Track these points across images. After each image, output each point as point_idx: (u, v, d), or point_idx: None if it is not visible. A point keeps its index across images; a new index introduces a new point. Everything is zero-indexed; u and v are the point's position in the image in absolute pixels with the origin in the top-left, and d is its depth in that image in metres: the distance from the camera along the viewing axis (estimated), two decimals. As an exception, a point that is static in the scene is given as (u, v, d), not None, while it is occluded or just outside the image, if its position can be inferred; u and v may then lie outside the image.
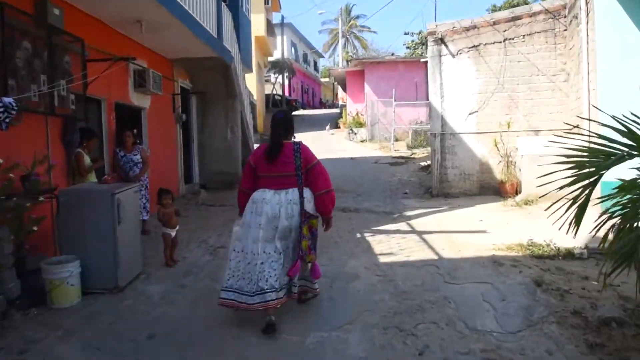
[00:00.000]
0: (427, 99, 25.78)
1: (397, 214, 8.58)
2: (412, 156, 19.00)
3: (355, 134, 25.41)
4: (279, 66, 36.55)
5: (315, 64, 60.43)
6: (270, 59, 36.72)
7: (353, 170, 14.99)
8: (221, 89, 12.02)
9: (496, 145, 9.60)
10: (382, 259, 5.95)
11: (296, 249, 4.09)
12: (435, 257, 5.96)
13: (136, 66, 8.62)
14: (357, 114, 26.62)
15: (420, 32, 41.34)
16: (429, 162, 15.85)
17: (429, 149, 20.52)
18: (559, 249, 5.96)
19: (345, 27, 49.81)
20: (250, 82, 27.43)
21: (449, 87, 9.85)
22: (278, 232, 4.03)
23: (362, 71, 26.34)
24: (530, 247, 6.07)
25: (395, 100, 20.81)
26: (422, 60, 24.50)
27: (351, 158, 18.62)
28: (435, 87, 9.93)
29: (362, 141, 24.65)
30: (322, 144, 22.97)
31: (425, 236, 6.92)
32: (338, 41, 49.35)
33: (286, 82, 40.02)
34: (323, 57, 60.20)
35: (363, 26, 53.81)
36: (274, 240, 4.02)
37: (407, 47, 40.61)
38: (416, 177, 13.10)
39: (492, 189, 9.71)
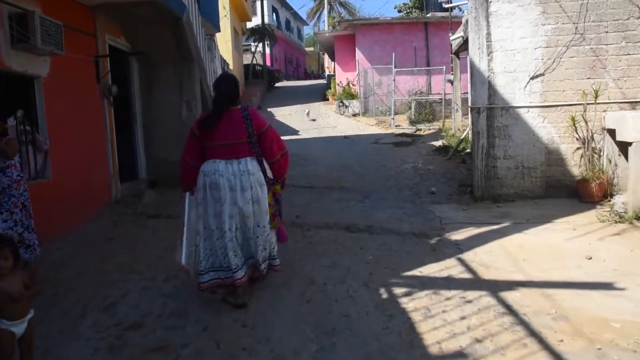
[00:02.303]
0: (428, 66, 22.69)
1: (436, 237, 5.45)
2: (418, 133, 15.88)
3: (346, 107, 22.15)
4: (259, 33, 32.74)
5: (299, 32, 56.44)
6: (249, 25, 33.01)
7: (350, 154, 11.84)
8: (171, 50, 8.72)
9: (574, 124, 6.46)
10: (451, 377, 2.85)
11: (259, 223, 3.88)
12: (561, 370, 2.88)
13: (11, 8, 5.34)
14: (347, 84, 23.31)
15: (414, -7, 37.98)
16: (444, 142, 12.75)
17: (435, 124, 17.32)
18: None
19: (330, -8, 45.88)
20: (226, 49, 23.96)
21: (500, 38, 6.64)
22: (239, 206, 3.78)
23: (352, 35, 23.02)
24: None
25: (395, 66, 17.51)
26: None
27: (345, 137, 15.45)
28: (480, 39, 6.72)
29: (354, 115, 21.44)
30: (310, 119, 19.77)
31: (507, 296, 3.83)
32: (323, 7, 45.54)
33: (267, 50, 36.32)
34: (307, 24, 56.22)
35: (349, -10, 49.93)
36: (235, 215, 3.79)
37: (399, 11, 37.20)
38: (436, 165, 9.99)
39: (565, 190, 6.62)
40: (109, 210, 7.34)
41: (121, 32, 8.24)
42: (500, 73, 6.68)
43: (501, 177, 6.81)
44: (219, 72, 18.00)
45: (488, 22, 6.62)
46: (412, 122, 17.36)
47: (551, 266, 4.38)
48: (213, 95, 4.00)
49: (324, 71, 46.10)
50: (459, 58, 13.05)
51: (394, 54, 17.63)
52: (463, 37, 11.14)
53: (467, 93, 13.49)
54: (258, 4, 34.25)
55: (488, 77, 6.71)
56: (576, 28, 6.43)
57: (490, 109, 6.75)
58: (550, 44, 6.52)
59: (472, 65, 6.90)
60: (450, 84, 13.37)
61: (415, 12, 35.04)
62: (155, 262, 5.09)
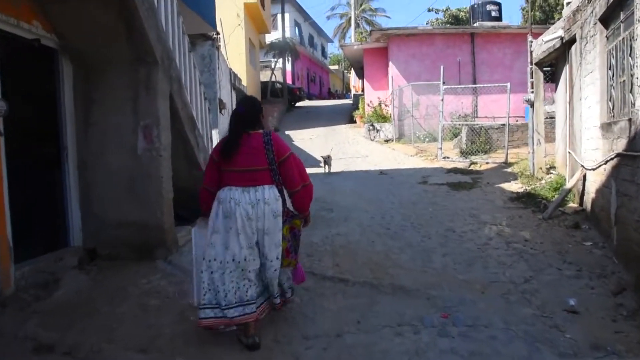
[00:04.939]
0: (474, 82, 19.02)
1: None
2: (474, 168, 12.36)
3: (377, 131, 18.80)
4: (279, 47, 29.61)
5: (323, 49, 53.54)
6: (268, 39, 29.99)
7: (393, 204, 8.35)
8: (120, 45, 5.41)
9: None
10: None
11: (268, 256, 3.60)
12: None
13: None
14: (379, 104, 19.98)
15: (447, 9, 34.88)
16: (525, 188, 9.16)
17: (493, 155, 13.38)
18: None
19: (357, 10, 42.72)
20: (239, 62, 20.91)
21: None
22: (256, 235, 3.56)
23: (384, 48, 19.89)
24: None
25: (443, 83, 14.04)
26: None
27: (381, 172, 12.00)
28: None
29: (387, 141, 18.09)
30: (335, 145, 16.37)
31: None
32: (350, 24, 42.43)
33: (288, 67, 33.22)
34: (332, 41, 53.27)
35: (376, 8, 46.86)
36: (253, 245, 3.56)
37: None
38: (532, 230, 6.42)
39: None
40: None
41: (37, 14, 4.96)
42: None
43: None
44: (226, 87, 14.77)
45: None
46: (464, 153, 13.80)
47: None
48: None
49: (349, 91, 42.95)
50: (542, 70, 9.55)
51: (442, 67, 14.17)
52: (562, 38, 7.67)
53: (553, 118, 10.00)
54: (279, 16, 31.25)
55: None
56: None
57: None
58: None
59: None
60: (529, 106, 9.84)
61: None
62: None
